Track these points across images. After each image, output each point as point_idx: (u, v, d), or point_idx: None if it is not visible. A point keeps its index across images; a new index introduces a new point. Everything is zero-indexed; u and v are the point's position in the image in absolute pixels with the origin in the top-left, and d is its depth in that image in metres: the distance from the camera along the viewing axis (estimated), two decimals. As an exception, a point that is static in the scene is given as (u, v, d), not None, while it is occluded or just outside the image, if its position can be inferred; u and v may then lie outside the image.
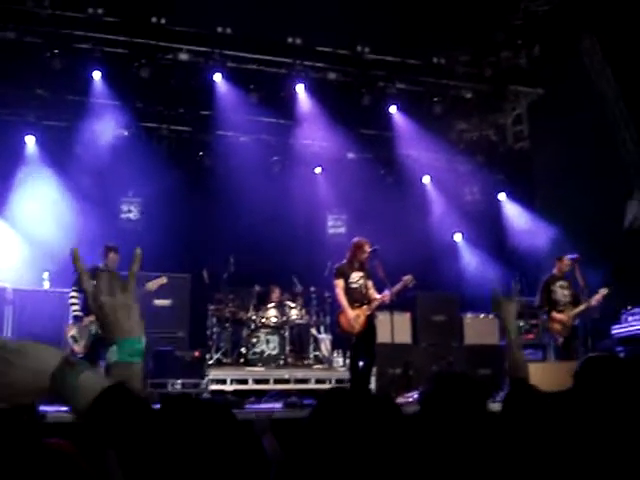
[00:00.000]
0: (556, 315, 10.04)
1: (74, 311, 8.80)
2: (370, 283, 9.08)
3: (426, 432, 2.62)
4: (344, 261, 9.10)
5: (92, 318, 8.55)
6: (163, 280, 9.23)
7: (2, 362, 1.46)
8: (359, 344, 8.96)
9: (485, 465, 2.40)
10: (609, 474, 2.41)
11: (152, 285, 9.11)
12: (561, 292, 10.16)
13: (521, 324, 11.80)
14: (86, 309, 8.70)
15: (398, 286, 8.93)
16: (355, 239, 9.22)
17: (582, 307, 10.01)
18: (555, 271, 10.28)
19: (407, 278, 8.98)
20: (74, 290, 8.88)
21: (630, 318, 11.45)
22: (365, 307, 8.90)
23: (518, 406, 2.94)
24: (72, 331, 8.74)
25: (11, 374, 1.46)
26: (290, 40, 12.61)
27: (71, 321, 8.85)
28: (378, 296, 8.99)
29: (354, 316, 8.80)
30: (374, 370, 10.20)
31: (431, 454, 2.51)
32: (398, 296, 9.09)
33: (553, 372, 8.42)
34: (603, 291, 9.93)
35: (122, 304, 1.88)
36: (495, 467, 2.40)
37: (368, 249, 8.97)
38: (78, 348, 8.66)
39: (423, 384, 2.88)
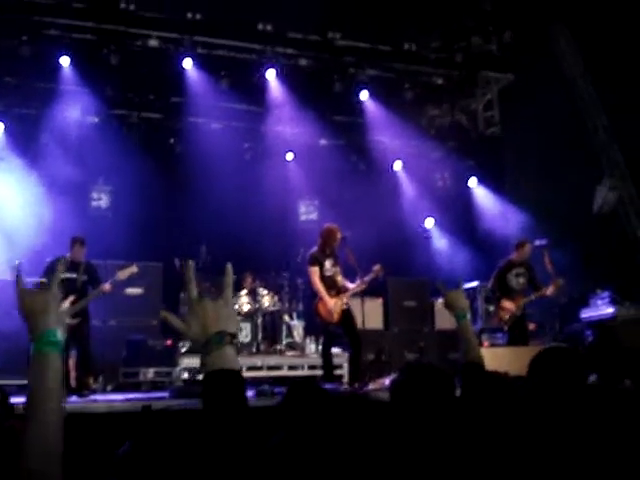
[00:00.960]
0: (505, 303, 10.04)
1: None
2: (339, 270, 9.11)
3: (396, 420, 2.66)
4: (316, 248, 9.10)
5: (63, 309, 8.59)
6: (134, 269, 9.12)
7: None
8: (335, 332, 9.02)
9: (449, 449, 2.46)
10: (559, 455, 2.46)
11: (122, 274, 9.01)
12: (515, 280, 10.15)
13: (491, 308, 11.92)
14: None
15: (368, 277, 8.97)
16: (326, 225, 9.23)
17: (533, 297, 10.06)
18: (514, 257, 10.22)
19: (377, 268, 9.02)
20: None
21: (599, 302, 11.60)
22: (341, 295, 8.94)
23: (472, 390, 3.00)
24: None
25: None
26: (261, 26, 12.52)
27: None
28: (351, 285, 9.03)
29: (333, 304, 8.83)
30: (346, 356, 10.29)
31: (400, 442, 2.56)
32: (368, 285, 9.15)
33: (503, 356, 8.58)
34: (558, 282, 9.91)
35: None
36: (458, 450, 2.45)
37: (339, 235, 8.99)
38: None
39: (395, 371, 2.94)
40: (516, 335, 10.02)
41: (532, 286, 10.12)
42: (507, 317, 10.00)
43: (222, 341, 1.81)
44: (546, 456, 2.48)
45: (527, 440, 2.56)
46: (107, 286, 8.77)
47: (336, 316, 8.87)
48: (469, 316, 3.50)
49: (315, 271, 8.93)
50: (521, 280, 10.14)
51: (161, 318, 1.90)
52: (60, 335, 1.88)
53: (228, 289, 2.01)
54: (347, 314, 8.96)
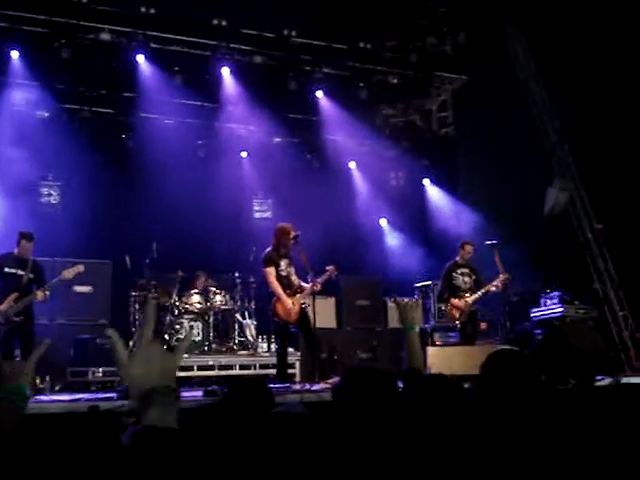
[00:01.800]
0: (454, 301, 10.28)
1: None
2: (293, 270, 9.08)
3: (338, 423, 2.65)
4: (270, 248, 9.05)
5: (4, 306, 8.37)
6: (80, 268, 8.93)
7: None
8: (290, 332, 9.01)
9: (390, 450, 2.45)
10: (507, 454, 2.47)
11: (68, 273, 8.81)
12: (462, 279, 10.44)
13: (443, 307, 11.99)
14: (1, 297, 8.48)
15: (323, 277, 8.96)
16: (279, 225, 9.19)
17: (480, 293, 10.29)
18: (458, 258, 10.56)
19: (331, 269, 9.04)
20: None
21: (549, 302, 11.75)
22: (298, 295, 8.90)
23: (413, 392, 3.00)
24: None
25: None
26: (215, 22, 12.43)
27: None
28: (306, 285, 8.99)
29: (291, 304, 8.80)
30: (298, 355, 10.27)
31: (338, 444, 2.54)
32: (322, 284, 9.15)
33: (452, 355, 8.69)
34: (503, 276, 10.20)
35: None
36: (398, 451, 2.45)
37: (292, 234, 8.95)
38: None
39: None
40: (467, 333, 10.20)
41: (477, 284, 10.39)
42: (458, 315, 10.15)
43: (168, 396, 1.69)
44: (488, 456, 2.48)
45: (470, 440, 2.56)
46: (40, 294, 8.55)
47: (294, 316, 8.84)
48: (417, 329, 3.55)
49: (270, 272, 8.88)
50: (466, 279, 10.41)
51: (106, 335, 1.82)
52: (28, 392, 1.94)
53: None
54: (305, 314, 8.94)
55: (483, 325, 11.81)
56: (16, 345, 8.60)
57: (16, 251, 8.73)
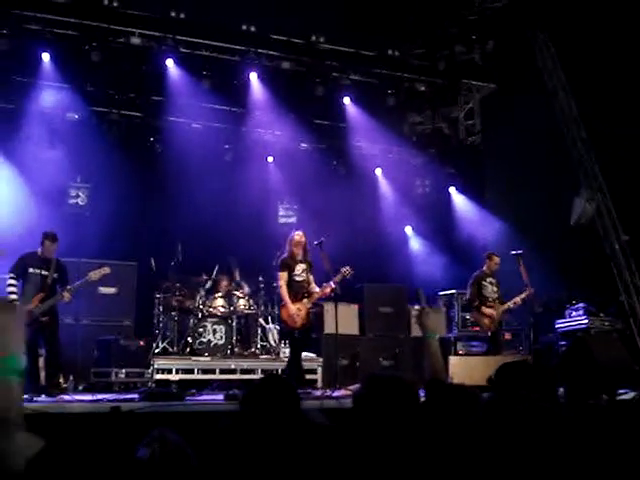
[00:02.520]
0: (485, 310, 10.26)
1: (11, 301, 8.44)
2: (312, 277, 9.09)
3: (358, 430, 2.65)
4: (286, 254, 9.11)
5: (31, 306, 8.39)
6: (106, 270, 9.01)
7: None
8: (300, 338, 9.00)
9: (410, 458, 2.44)
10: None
11: (94, 275, 8.89)
12: (490, 288, 10.42)
13: (467, 317, 11.93)
14: (23, 297, 8.52)
15: (336, 278, 8.96)
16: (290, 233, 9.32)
17: (510, 304, 10.25)
18: (485, 268, 10.56)
19: (345, 270, 9.04)
20: (11, 277, 8.71)
21: (574, 313, 11.67)
22: (305, 300, 8.92)
23: (435, 402, 3.00)
24: None
25: None
26: (244, 27, 12.51)
27: None
28: (317, 289, 9.01)
29: (295, 310, 8.83)
30: (320, 361, 10.26)
31: (358, 452, 2.54)
32: (341, 288, 9.13)
33: (475, 365, 8.63)
34: (528, 291, 10.19)
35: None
36: (418, 461, 2.44)
37: (301, 236, 9.03)
38: None
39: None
40: (496, 342, 10.22)
41: (499, 296, 10.43)
42: (489, 323, 10.15)
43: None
44: (503, 467, 2.47)
45: (484, 451, 2.55)
46: (67, 295, 8.63)
47: (299, 321, 8.86)
48: (438, 337, 3.54)
49: (282, 276, 8.97)
50: (495, 289, 10.37)
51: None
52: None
53: None
54: (309, 320, 8.97)
55: (507, 335, 11.76)
56: (41, 345, 8.68)
57: (39, 251, 8.79)
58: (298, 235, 9.08)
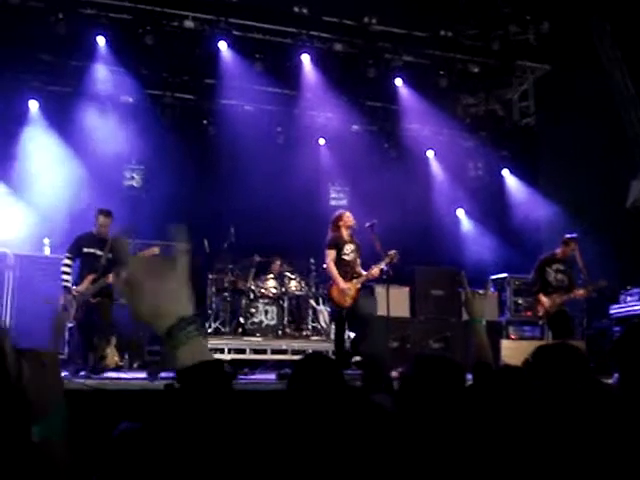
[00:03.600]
0: (542, 297, 9.93)
1: (64, 281, 8.58)
2: (359, 259, 9.07)
3: (403, 412, 2.67)
4: (334, 233, 9.11)
5: (82, 287, 8.48)
6: (154, 250, 8.77)
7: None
8: (346, 317, 8.99)
9: (457, 441, 2.46)
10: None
11: (143, 256, 8.84)
12: (554, 275, 9.94)
13: (519, 301, 11.84)
14: (78, 278, 8.60)
15: (384, 261, 8.92)
16: (336, 213, 9.31)
17: (568, 296, 9.83)
18: (558, 252, 9.99)
19: (392, 253, 8.96)
20: (68, 257, 8.70)
21: (629, 298, 11.46)
22: (354, 281, 8.91)
23: (482, 384, 3.00)
24: (62, 300, 8.54)
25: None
26: (296, 9, 12.50)
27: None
28: (364, 272, 8.99)
29: (346, 288, 8.80)
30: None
31: (407, 434, 2.56)
32: (390, 271, 9.09)
33: (527, 350, 8.50)
34: (601, 283, 9.85)
35: None
36: (465, 443, 2.45)
37: (349, 216, 9.02)
38: (68, 316, 8.40)
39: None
40: (559, 330, 9.86)
41: (569, 285, 9.87)
42: (542, 313, 9.88)
43: (194, 329, 1.45)
44: (545, 449, 2.47)
45: (535, 432, 2.55)
46: (111, 278, 8.44)
47: (349, 300, 8.85)
48: (484, 322, 3.55)
49: (330, 254, 8.93)
50: (559, 276, 9.88)
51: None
52: (62, 421, 1.72)
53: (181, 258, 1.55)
54: (357, 301, 8.94)
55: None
56: (96, 324, 8.78)
57: (95, 230, 8.77)
58: (347, 215, 9.06)
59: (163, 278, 1.50)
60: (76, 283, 8.61)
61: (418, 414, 2.54)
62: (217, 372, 1.47)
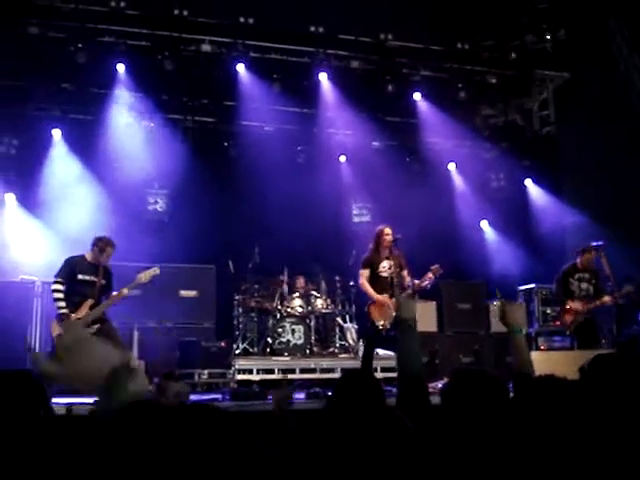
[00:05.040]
0: (570, 304, 9.86)
1: (60, 308, 8.14)
2: (405, 272, 8.95)
3: (448, 426, 2.64)
4: (370, 250, 9.05)
5: (81, 314, 8.13)
6: (156, 271, 8.55)
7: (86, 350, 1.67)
8: (381, 336, 8.91)
9: (501, 453, 2.43)
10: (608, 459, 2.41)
11: (144, 277, 8.46)
12: (577, 284, 9.94)
13: (548, 311, 11.74)
14: (71, 304, 8.18)
15: (427, 277, 8.82)
16: (376, 228, 9.21)
17: (594, 304, 9.80)
18: (577, 262, 10.02)
19: (434, 268, 8.86)
20: (59, 282, 8.22)
21: (658, 305, 11.32)
22: (394, 299, 8.82)
23: (524, 396, 2.96)
24: (57, 330, 8.09)
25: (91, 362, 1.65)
26: (312, 29, 12.57)
27: (55, 319, 8.19)
28: (410, 281, 8.88)
29: (382, 298, 8.71)
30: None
31: (452, 446, 2.53)
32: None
33: (558, 361, 8.43)
34: (628, 289, 9.76)
35: None
36: (509, 455, 2.42)
37: (389, 232, 8.94)
38: None
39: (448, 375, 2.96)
40: (585, 339, 9.83)
41: (596, 291, 9.89)
42: (570, 321, 9.83)
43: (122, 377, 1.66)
44: (592, 458, 2.43)
45: (578, 443, 2.51)
46: (125, 291, 8.26)
47: (389, 319, 8.77)
48: (524, 331, 3.52)
49: (363, 273, 8.88)
50: (583, 285, 9.90)
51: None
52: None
53: None
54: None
55: (589, 329, 11.51)
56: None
57: (90, 256, 8.41)
58: (385, 231, 8.97)
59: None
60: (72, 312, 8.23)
61: (463, 430, 2.51)
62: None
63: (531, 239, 13.91)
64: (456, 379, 2.70)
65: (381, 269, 8.87)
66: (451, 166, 14.60)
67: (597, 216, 12.45)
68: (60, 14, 11.47)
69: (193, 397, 8.40)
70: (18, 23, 11.41)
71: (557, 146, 14.60)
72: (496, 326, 11.75)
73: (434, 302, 11.67)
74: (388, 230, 8.95)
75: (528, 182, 14.60)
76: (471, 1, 13.06)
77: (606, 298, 9.72)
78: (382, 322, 8.74)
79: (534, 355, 9.46)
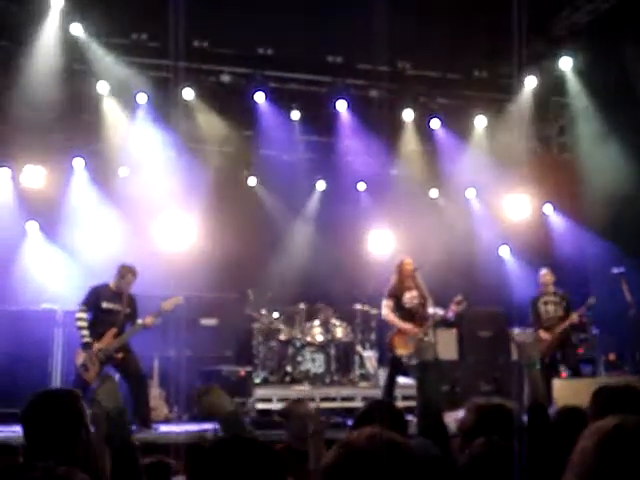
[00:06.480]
0: (541, 334, 9.91)
1: (83, 337, 8.32)
2: (427, 302, 8.99)
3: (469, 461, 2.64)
4: (393, 282, 9.09)
5: (104, 343, 8.26)
6: (179, 299, 8.78)
7: None
8: (402, 365, 8.93)
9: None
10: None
11: (167, 305, 8.62)
12: (544, 308, 10.01)
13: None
14: (95, 333, 8.33)
15: (450, 311, 8.87)
16: (397, 259, 9.26)
17: (564, 325, 9.81)
18: (541, 287, 10.28)
19: (458, 299, 8.89)
20: (82, 311, 8.44)
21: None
22: (418, 330, 8.85)
23: (540, 427, 2.96)
24: (81, 358, 8.26)
25: None
26: (330, 59, 12.69)
27: (80, 347, 8.38)
28: (438, 311, 8.94)
29: (409, 328, 8.74)
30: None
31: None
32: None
33: (580, 388, 8.31)
34: (590, 301, 10.03)
35: None
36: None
37: (410, 262, 8.97)
38: (89, 377, 8.20)
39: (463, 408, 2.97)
40: (568, 363, 9.85)
41: (566, 313, 10.01)
42: (544, 348, 9.77)
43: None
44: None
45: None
46: (149, 320, 8.43)
47: (411, 346, 8.79)
48: (538, 366, 3.56)
49: (388, 304, 8.92)
50: (550, 308, 9.98)
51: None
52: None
53: None
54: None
55: (612, 356, 11.43)
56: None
57: (113, 284, 8.59)
58: (406, 262, 9.01)
59: None
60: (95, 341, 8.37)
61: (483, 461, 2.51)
62: None
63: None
64: (474, 412, 2.70)
65: (405, 300, 8.92)
66: (470, 192, 14.59)
67: (618, 242, 12.38)
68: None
69: (212, 426, 8.41)
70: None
71: (577, 172, 14.53)
72: (516, 354, 11.69)
73: (454, 330, 11.62)
74: (409, 260, 9.00)
75: (547, 208, 14.55)
76: (487, 29, 13.10)
77: (573, 316, 9.75)
78: (404, 352, 8.77)
79: (556, 383, 9.44)
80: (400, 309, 8.91)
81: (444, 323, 9.96)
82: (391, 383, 9.06)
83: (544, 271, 10.30)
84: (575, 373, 9.97)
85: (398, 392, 9.79)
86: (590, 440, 1.83)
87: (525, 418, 3.19)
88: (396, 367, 9.08)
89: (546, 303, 10.09)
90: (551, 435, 2.94)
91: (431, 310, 9.01)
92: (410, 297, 8.94)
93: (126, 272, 8.61)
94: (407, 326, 8.77)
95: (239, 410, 6.55)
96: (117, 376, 8.66)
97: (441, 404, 3.46)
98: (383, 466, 1.73)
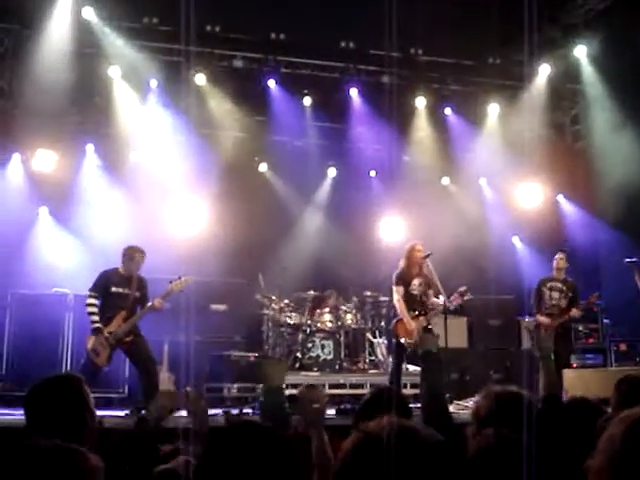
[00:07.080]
0: (539, 318, 9.71)
1: (93, 322, 8.30)
2: (431, 291, 8.98)
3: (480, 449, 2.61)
4: (402, 267, 9.04)
5: (114, 327, 8.28)
6: (188, 280, 8.69)
7: None
8: (407, 353, 8.93)
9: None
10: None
11: (177, 286, 8.57)
12: (548, 293, 9.79)
13: (580, 328, 11.60)
14: (105, 318, 8.34)
15: (454, 301, 8.83)
16: (408, 244, 9.19)
17: (562, 320, 9.61)
18: (553, 271, 9.99)
19: (462, 290, 8.85)
20: (93, 296, 8.43)
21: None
22: (422, 318, 8.83)
23: (553, 416, 2.93)
24: (92, 343, 8.25)
25: None
26: (343, 44, 12.64)
27: (90, 332, 8.36)
28: (439, 300, 8.89)
29: (415, 325, 8.73)
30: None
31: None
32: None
33: (590, 379, 8.27)
34: (594, 299, 9.85)
35: None
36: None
37: (420, 248, 8.92)
38: (99, 361, 8.22)
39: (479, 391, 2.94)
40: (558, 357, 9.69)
41: (570, 304, 9.74)
42: (544, 332, 9.65)
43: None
44: None
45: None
46: (157, 302, 8.39)
47: (415, 337, 8.78)
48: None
49: (397, 290, 8.88)
50: (554, 294, 9.79)
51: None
52: None
53: None
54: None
55: (622, 346, 11.37)
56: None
57: (122, 268, 8.56)
58: (417, 248, 8.94)
59: None
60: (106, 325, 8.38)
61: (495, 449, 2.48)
62: None
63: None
64: (489, 399, 2.68)
65: (412, 287, 8.88)
66: (482, 180, 14.50)
67: (631, 232, 12.28)
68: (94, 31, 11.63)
69: (221, 411, 8.43)
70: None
71: (590, 161, 14.42)
72: (527, 342, 11.64)
73: (465, 318, 11.59)
74: (420, 247, 8.93)
75: (560, 197, 14.44)
76: (501, 16, 12.99)
77: (574, 311, 9.58)
78: (408, 340, 8.76)
79: (566, 373, 9.41)
80: (406, 295, 8.88)
81: (454, 312, 9.90)
82: (398, 370, 9.05)
83: (559, 255, 10.06)
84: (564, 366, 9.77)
85: (406, 379, 9.80)
86: (618, 428, 1.86)
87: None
88: (400, 354, 9.08)
89: (552, 289, 9.84)
90: (563, 426, 2.91)
91: (434, 299, 8.97)
92: (416, 284, 8.91)
93: (133, 253, 8.58)
94: (409, 320, 8.72)
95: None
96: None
97: (444, 393, 3.43)
98: (401, 455, 1.71)
